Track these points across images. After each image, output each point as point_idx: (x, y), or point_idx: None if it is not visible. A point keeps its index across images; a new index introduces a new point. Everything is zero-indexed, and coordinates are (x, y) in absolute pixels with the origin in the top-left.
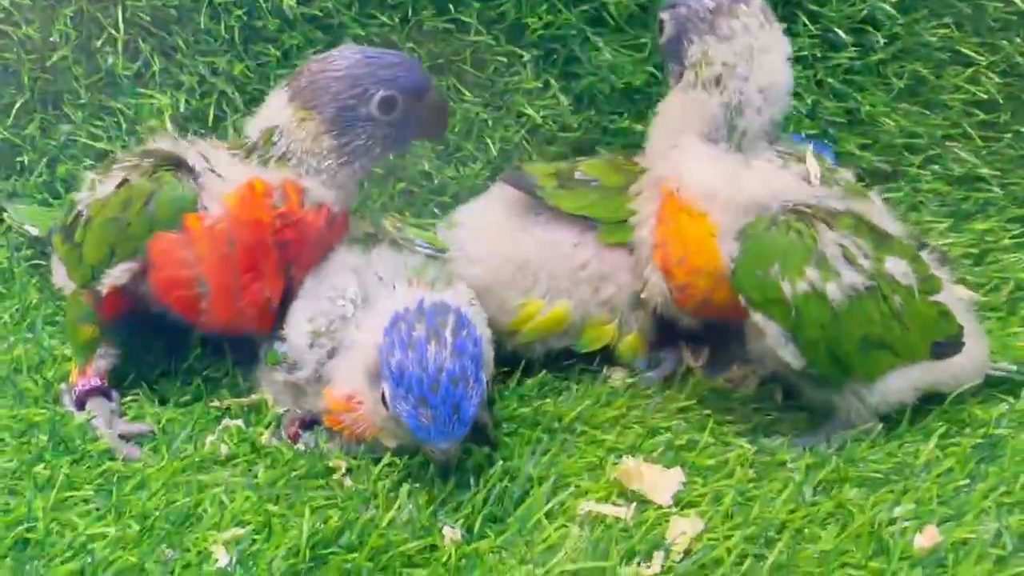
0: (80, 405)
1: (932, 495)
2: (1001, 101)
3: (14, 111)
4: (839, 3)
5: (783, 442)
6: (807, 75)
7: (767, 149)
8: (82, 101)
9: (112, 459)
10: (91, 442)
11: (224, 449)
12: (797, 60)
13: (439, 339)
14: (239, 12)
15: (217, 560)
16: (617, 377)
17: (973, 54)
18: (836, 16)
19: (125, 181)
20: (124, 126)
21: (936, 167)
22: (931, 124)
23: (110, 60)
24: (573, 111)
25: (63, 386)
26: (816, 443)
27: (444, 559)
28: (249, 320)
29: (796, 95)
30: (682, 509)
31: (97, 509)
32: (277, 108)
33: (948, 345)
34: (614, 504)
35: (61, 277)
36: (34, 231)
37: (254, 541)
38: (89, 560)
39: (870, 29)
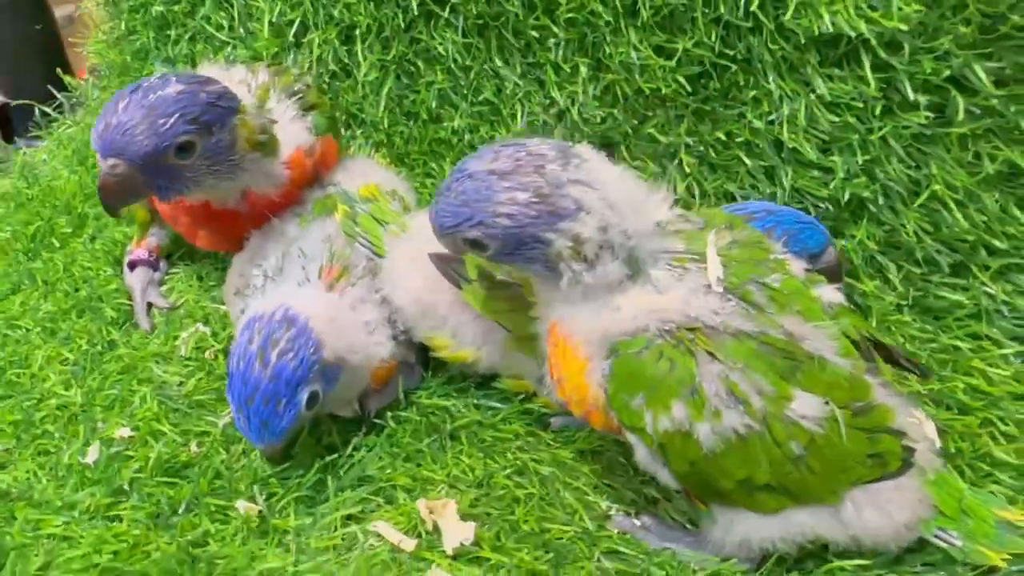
0: (132, 267)
1: None
2: None
3: None
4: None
5: (642, 530)
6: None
7: (661, 259)
8: None
9: (119, 326)
10: (115, 308)
11: (182, 350)
12: (848, 108)
13: (263, 358)
14: None
15: (88, 454)
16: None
17: None
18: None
19: None
20: None
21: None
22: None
23: None
24: (599, 104)
25: (129, 248)
26: (675, 549)
27: (238, 523)
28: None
29: (849, 150)
30: (455, 560)
31: (72, 372)
32: None
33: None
34: (407, 533)
35: None
36: None
37: (129, 446)
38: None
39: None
